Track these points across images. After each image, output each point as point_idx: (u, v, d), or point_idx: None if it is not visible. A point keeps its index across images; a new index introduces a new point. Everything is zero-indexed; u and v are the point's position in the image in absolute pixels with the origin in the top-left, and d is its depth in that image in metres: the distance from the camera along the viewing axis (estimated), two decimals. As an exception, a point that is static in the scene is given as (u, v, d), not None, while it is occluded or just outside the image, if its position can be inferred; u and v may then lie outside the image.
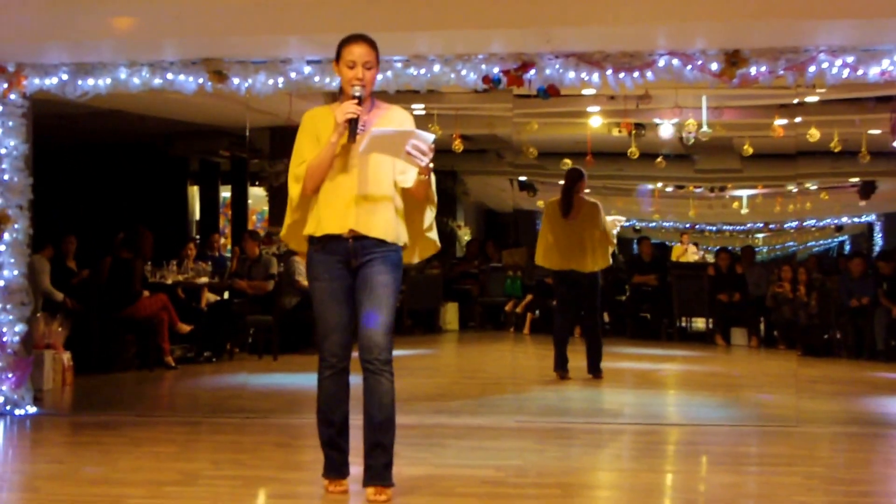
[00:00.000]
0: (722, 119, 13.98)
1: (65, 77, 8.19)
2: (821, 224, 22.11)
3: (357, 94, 5.20)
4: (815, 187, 18.97)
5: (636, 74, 7.74)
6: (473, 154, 16.61)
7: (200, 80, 8.12)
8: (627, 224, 11.11)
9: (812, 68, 7.51)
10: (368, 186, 5.23)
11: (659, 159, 15.11)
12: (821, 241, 24.24)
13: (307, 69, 8.00)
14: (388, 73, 7.75)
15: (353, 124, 5.15)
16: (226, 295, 13.18)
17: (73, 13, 7.54)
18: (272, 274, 12.59)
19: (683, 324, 15.66)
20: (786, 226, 22.13)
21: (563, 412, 8.88)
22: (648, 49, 7.66)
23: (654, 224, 21.17)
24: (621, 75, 7.75)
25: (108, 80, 8.18)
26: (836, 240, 23.79)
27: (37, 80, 8.22)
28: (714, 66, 7.62)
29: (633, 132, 14.51)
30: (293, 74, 8.02)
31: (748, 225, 21.63)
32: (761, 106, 13.75)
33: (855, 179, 17.89)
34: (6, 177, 8.28)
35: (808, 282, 14.42)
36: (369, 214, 5.22)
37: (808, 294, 14.26)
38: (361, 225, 5.20)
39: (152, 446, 7.11)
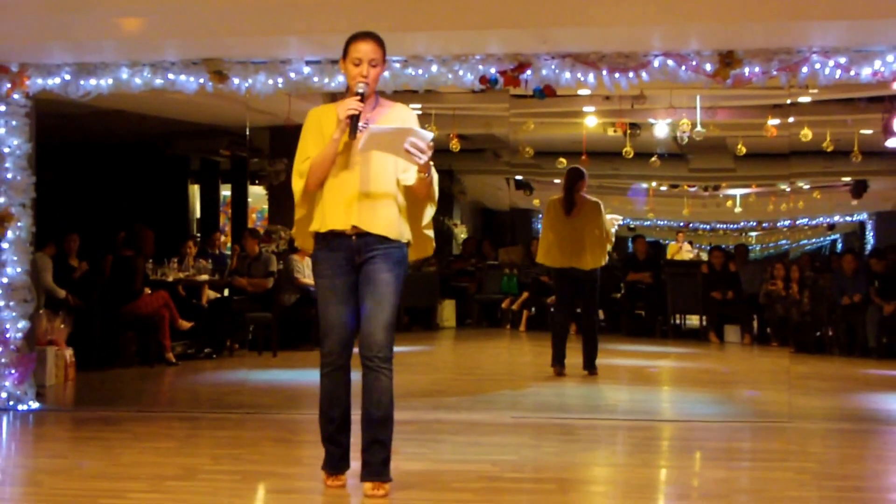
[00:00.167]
0: (716, 119, 13.98)
1: (67, 77, 8.23)
2: (813, 223, 22.10)
3: (360, 90, 5.21)
4: (807, 186, 18.95)
5: (631, 75, 7.76)
6: (471, 153, 16.59)
7: (201, 81, 8.15)
8: (623, 223, 11.16)
9: (805, 69, 7.54)
10: (371, 183, 5.24)
11: (653, 159, 15.15)
12: (813, 240, 24.22)
13: (306, 69, 8.04)
14: (386, 74, 7.75)
15: (354, 121, 5.16)
16: (226, 292, 13.17)
17: (75, 14, 7.55)
18: (272, 271, 12.61)
19: (677, 321, 15.65)
20: (779, 224, 22.11)
21: (559, 408, 8.88)
22: (643, 50, 7.69)
23: (648, 222, 21.17)
24: (616, 76, 7.77)
25: (110, 80, 8.22)
26: (828, 238, 23.76)
27: (40, 80, 8.26)
28: (708, 67, 7.65)
29: (628, 132, 14.53)
30: (293, 75, 8.06)
31: (741, 223, 21.61)
32: (755, 106, 13.76)
33: (847, 179, 17.88)
34: (9, 175, 8.32)
35: (801, 279, 14.44)
36: (372, 211, 5.23)
37: (800, 292, 14.29)
38: (364, 222, 5.22)
39: (153, 441, 7.13)
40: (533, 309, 15.61)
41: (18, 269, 8.38)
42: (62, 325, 10.04)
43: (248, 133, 12.67)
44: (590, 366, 10.51)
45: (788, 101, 12.19)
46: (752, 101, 13.38)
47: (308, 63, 8.04)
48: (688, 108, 13.28)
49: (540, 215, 19.85)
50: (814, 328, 14.33)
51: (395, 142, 5.10)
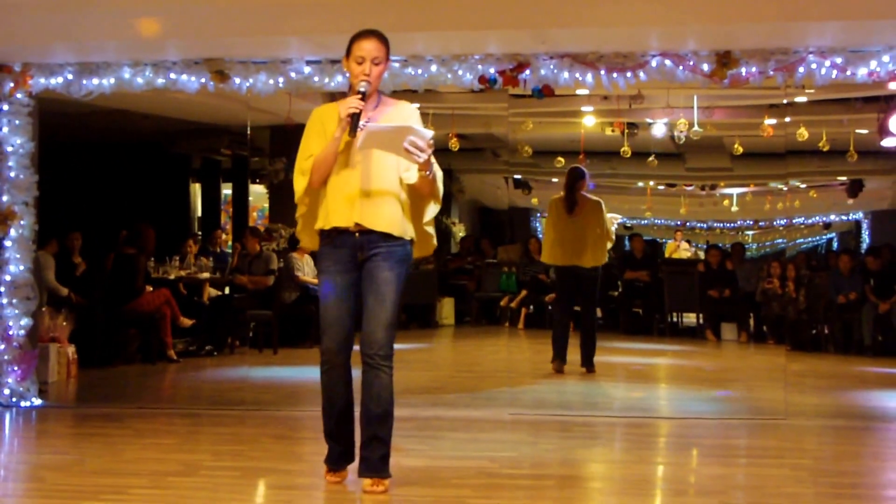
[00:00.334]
0: (712, 119, 14.00)
1: (70, 77, 8.26)
2: (809, 221, 22.14)
3: (362, 89, 5.21)
4: (803, 186, 18.97)
5: (629, 75, 7.78)
6: (470, 153, 16.60)
7: (202, 80, 8.17)
8: (620, 221, 11.21)
9: (801, 69, 7.58)
10: (373, 181, 5.24)
11: (651, 158, 15.16)
12: (809, 238, 24.25)
13: (307, 69, 8.06)
14: (386, 73, 7.80)
15: (355, 119, 5.14)
16: (227, 290, 13.20)
17: (77, 14, 7.56)
18: (272, 269, 12.64)
19: (674, 319, 15.72)
20: (775, 223, 22.17)
21: (557, 405, 8.92)
22: (641, 50, 7.72)
23: (646, 221, 21.22)
24: (614, 75, 7.80)
25: (112, 80, 8.24)
26: (824, 237, 23.80)
27: (42, 80, 8.29)
28: (705, 67, 7.68)
29: (626, 131, 14.55)
30: (293, 74, 8.08)
31: (738, 222, 21.64)
32: (751, 106, 13.78)
33: (843, 178, 17.91)
34: (12, 174, 8.34)
35: (797, 278, 14.49)
36: (374, 208, 5.23)
37: (796, 290, 14.34)
38: (366, 219, 5.22)
39: (155, 438, 7.17)
40: (531, 307, 15.67)
41: (21, 267, 8.40)
42: (64, 323, 10.06)
43: (248, 132, 12.69)
44: (588, 363, 10.56)
45: (785, 101, 12.21)
46: (749, 101, 13.40)
47: (308, 63, 8.06)
48: (685, 107, 13.30)
49: (538, 214, 19.94)
50: (810, 326, 14.39)
51: (395, 140, 5.09)
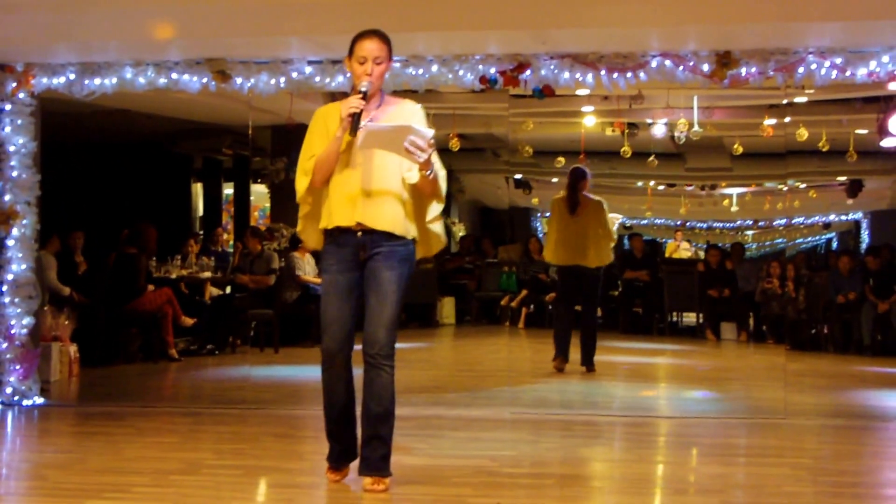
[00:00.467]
0: (712, 119, 13.99)
1: (72, 76, 8.29)
2: (809, 221, 22.13)
3: (363, 88, 5.21)
4: (803, 186, 18.97)
5: (629, 75, 7.81)
6: (470, 153, 16.61)
7: (204, 80, 8.20)
8: (620, 221, 11.25)
9: (801, 69, 7.60)
10: (374, 181, 5.24)
11: (651, 158, 15.16)
12: (809, 238, 24.26)
13: (308, 69, 8.09)
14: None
15: (355, 119, 5.13)
16: (228, 289, 13.23)
17: (80, 14, 7.58)
18: (273, 269, 12.65)
19: (674, 318, 15.74)
20: (775, 223, 22.16)
21: (558, 404, 8.96)
22: (641, 50, 7.74)
23: (646, 221, 21.22)
24: (615, 76, 7.82)
25: (114, 80, 8.27)
26: (823, 237, 23.81)
27: (45, 80, 8.32)
28: (705, 67, 7.70)
29: (626, 131, 14.55)
30: (294, 74, 8.11)
31: (738, 222, 21.65)
32: (751, 106, 13.76)
33: (842, 178, 17.90)
34: (15, 173, 8.37)
35: (797, 278, 14.51)
36: (376, 208, 5.23)
37: (796, 290, 14.36)
38: (368, 218, 5.22)
39: (156, 436, 7.20)
40: (532, 306, 15.69)
41: (23, 266, 8.42)
42: (66, 322, 10.08)
43: (250, 132, 12.68)
44: (588, 363, 10.59)
45: (785, 102, 12.20)
46: (749, 102, 13.40)
47: (310, 63, 8.08)
48: (685, 108, 13.30)
49: (539, 214, 19.95)
50: (809, 326, 14.42)
51: (395, 140, 5.09)
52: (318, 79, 8.13)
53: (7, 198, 8.37)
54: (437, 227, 5.53)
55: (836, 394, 10.18)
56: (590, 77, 7.88)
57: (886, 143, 12.81)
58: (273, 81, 8.17)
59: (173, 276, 12.17)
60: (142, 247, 11.53)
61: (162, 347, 11.42)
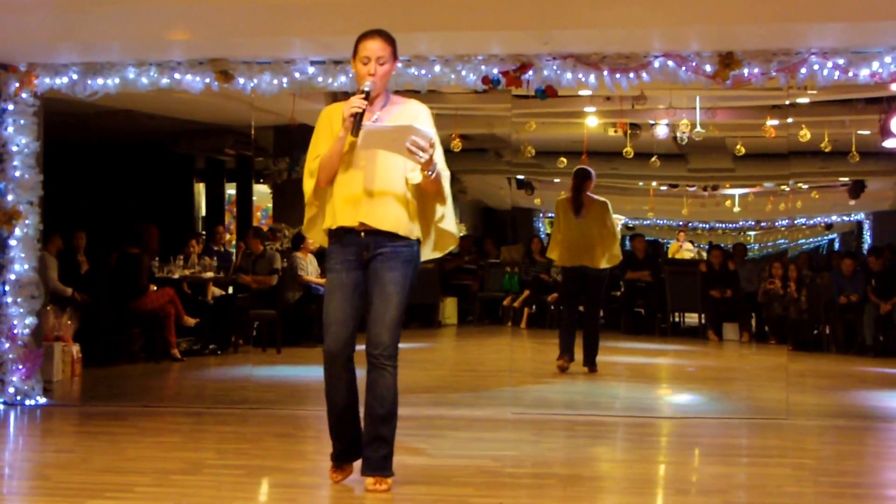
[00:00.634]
0: (715, 119, 13.97)
1: (75, 77, 8.31)
2: (811, 222, 22.13)
3: (366, 88, 5.20)
4: (805, 186, 18.96)
5: (632, 75, 7.81)
6: (473, 153, 16.61)
7: (207, 80, 8.21)
8: (623, 222, 11.27)
9: (803, 70, 7.61)
10: (377, 181, 5.23)
11: (653, 159, 15.15)
12: (811, 239, 24.25)
13: (311, 69, 8.09)
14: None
15: (357, 119, 5.12)
16: (230, 290, 13.24)
17: (83, 14, 7.59)
18: (276, 269, 12.65)
19: (676, 319, 15.74)
20: (777, 224, 22.14)
21: (559, 404, 8.96)
22: (644, 51, 7.75)
23: (648, 222, 21.21)
24: (617, 76, 7.82)
25: (117, 80, 8.28)
26: (825, 238, 23.81)
27: (47, 80, 8.33)
28: (708, 68, 7.71)
29: (629, 132, 14.54)
30: (297, 75, 8.12)
31: (740, 223, 21.63)
32: (754, 107, 13.76)
33: (845, 179, 17.90)
34: (17, 173, 8.39)
35: (799, 278, 14.50)
36: (379, 208, 5.22)
37: (798, 290, 14.36)
38: (371, 218, 5.22)
39: (158, 436, 7.21)
40: (534, 307, 15.70)
41: (26, 266, 8.44)
42: (69, 322, 10.08)
43: (252, 132, 12.68)
44: (590, 363, 10.59)
45: (787, 102, 12.19)
46: (752, 102, 13.39)
47: (312, 63, 8.09)
48: (687, 108, 13.30)
49: (541, 214, 19.94)
50: (811, 326, 14.41)
51: (396, 140, 5.09)
52: (320, 79, 8.14)
53: (10, 198, 8.38)
54: (449, 225, 5.51)
55: (837, 394, 10.18)
56: (592, 78, 7.89)
57: (889, 143, 12.83)
58: (276, 82, 8.17)
59: (176, 276, 12.18)
60: (144, 247, 11.55)
61: (164, 347, 11.42)
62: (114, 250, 11.68)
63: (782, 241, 23.04)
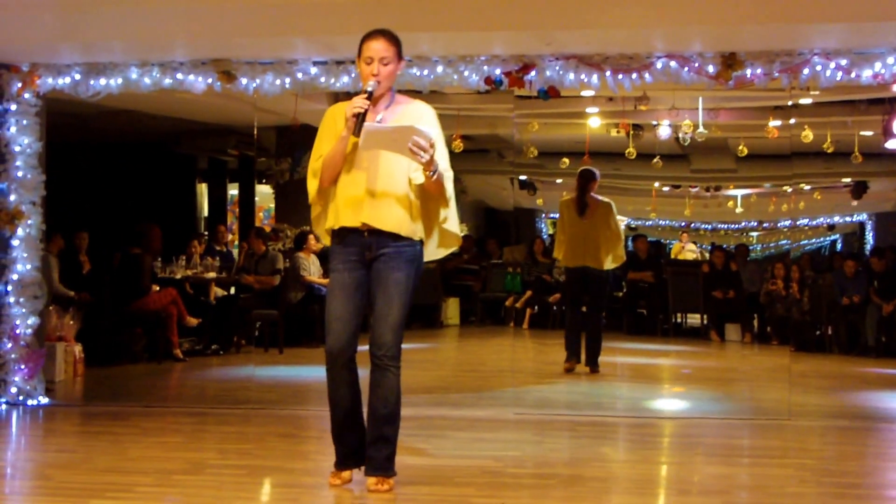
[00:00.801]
0: (717, 120, 13.97)
1: (77, 77, 8.32)
2: (814, 223, 22.11)
3: (369, 89, 5.18)
4: (808, 187, 18.95)
5: (634, 76, 7.81)
6: (475, 153, 16.61)
7: (209, 80, 8.22)
8: (625, 223, 11.28)
9: (806, 71, 7.60)
10: (380, 181, 5.22)
11: (656, 159, 15.12)
12: (813, 240, 24.23)
13: (313, 70, 8.10)
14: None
15: (359, 119, 5.10)
16: (232, 290, 13.25)
17: (85, 14, 7.59)
18: (278, 269, 12.64)
19: (678, 320, 15.74)
20: (779, 225, 22.11)
21: (561, 405, 8.97)
22: (646, 51, 7.75)
23: (650, 222, 21.20)
24: (620, 77, 7.82)
25: (120, 80, 8.29)
26: (828, 238, 23.79)
27: (50, 80, 8.35)
28: (710, 69, 7.70)
29: (631, 133, 14.54)
30: (300, 75, 8.12)
31: (742, 224, 21.63)
32: (756, 108, 13.77)
33: (847, 180, 17.88)
34: (20, 173, 8.40)
35: (801, 279, 14.51)
36: (382, 208, 5.22)
37: (800, 291, 14.37)
38: (374, 219, 5.21)
39: (160, 436, 7.22)
40: (536, 307, 15.69)
41: (28, 266, 8.45)
42: (71, 322, 10.10)
43: (255, 132, 12.69)
44: (592, 363, 10.60)
45: (790, 103, 12.19)
46: (754, 103, 13.40)
47: (315, 64, 8.10)
48: (690, 109, 13.31)
49: (543, 215, 19.93)
50: (813, 327, 14.41)
51: (397, 140, 5.08)
52: (323, 79, 8.14)
53: (12, 198, 8.40)
54: (452, 226, 5.50)
55: (840, 395, 10.18)
56: (595, 78, 7.89)
57: (891, 144, 12.83)
58: (278, 82, 8.18)
59: (178, 276, 12.19)
60: (146, 247, 11.56)
61: (166, 347, 11.43)
62: (116, 250, 11.71)
63: (785, 241, 23.01)
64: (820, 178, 17.98)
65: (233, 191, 16.87)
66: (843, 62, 7.55)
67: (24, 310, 8.44)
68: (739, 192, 19.42)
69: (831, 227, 22.43)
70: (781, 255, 21.63)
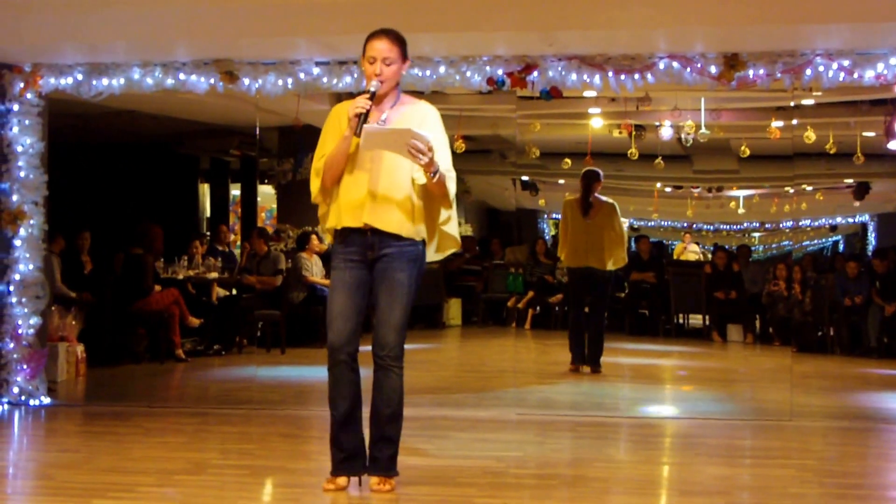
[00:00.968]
0: (720, 121, 13.97)
1: (80, 77, 8.31)
2: (816, 224, 22.11)
3: (371, 89, 5.17)
4: (810, 188, 18.96)
5: (637, 77, 7.79)
6: (477, 154, 16.62)
7: (212, 81, 8.22)
8: (627, 224, 11.29)
9: (808, 71, 7.59)
10: (382, 182, 5.21)
11: (658, 160, 15.14)
12: (815, 241, 24.22)
13: (316, 70, 8.09)
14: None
15: (361, 119, 5.09)
16: (234, 290, 13.25)
17: (88, 15, 7.61)
18: (280, 270, 12.64)
19: (681, 320, 15.74)
20: (781, 225, 22.11)
21: (563, 405, 8.97)
22: (649, 52, 7.73)
23: (652, 223, 21.20)
24: (622, 77, 7.81)
25: (122, 81, 8.29)
26: (830, 239, 23.77)
27: (52, 80, 8.34)
28: (713, 69, 7.69)
29: (633, 133, 14.53)
30: (302, 75, 8.12)
31: (745, 224, 21.63)
32: (758, 108, 13.77)
33: (849, 180, 17.88)
34: (22, 174, 8.39)
35: (803, 280, 14.50)
36: (384, 209, 5.20)
37: (802, 292, 14.36)
38: (376, 219, 5.20)
39: (162, 436, 7.21)
40: (538, 308, 15.70)
41: (31, 266, 8.45)
42: (73, 322, 10.11)
43: (257, 133, 12.71)
44: (594, 363, 10.60)
45: (792, 104, 12.20)
46: (756, 104, 13.40)
47: (317, 64, 8.09)
48: (692, 110, 13.32)
49: (546, 215, 19.94)
50: (815, 328, 14.40)
51: (397, 142, 5.08)
52: (325, 80, 8.13)
53: (14, 198, 8.40)
54: (451, 228, 5.48)
55: (842, 396, 10.18)
56: (597, 79, 7.88)
57: (893, 145, 12.82)
58: (280, 82, 8.18)
59: (180, 276, 12.20)
60: (148, 247, 11.58)
61: (168, 348, 11.45)
62: (118, 251, 11.72)
63: (787, 242, 23.01)
64: (822, 178, 17.97)
65: (235, 191, 16.88)
66: (846, 63, 7.54)
67: (26, 310, 8.44)
68: (742, 193, 19.42)
69: (833, 228, 22.42)
70: (783, 255, 21.62)
